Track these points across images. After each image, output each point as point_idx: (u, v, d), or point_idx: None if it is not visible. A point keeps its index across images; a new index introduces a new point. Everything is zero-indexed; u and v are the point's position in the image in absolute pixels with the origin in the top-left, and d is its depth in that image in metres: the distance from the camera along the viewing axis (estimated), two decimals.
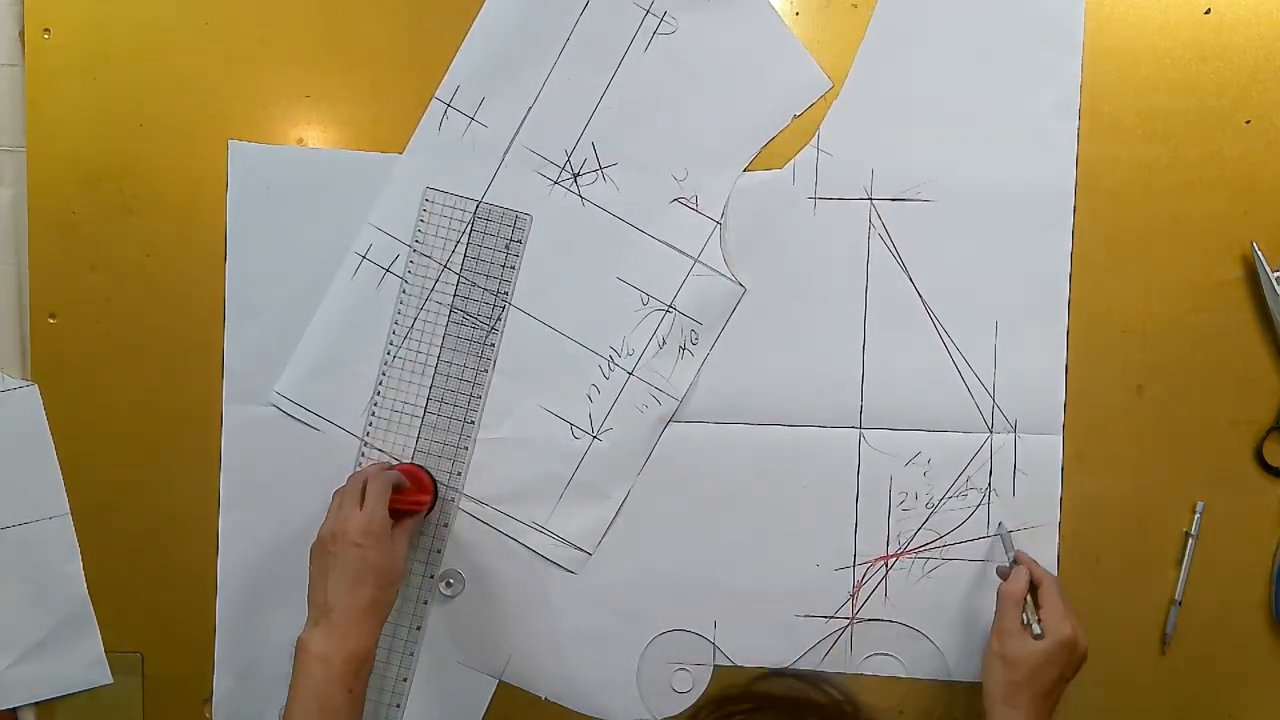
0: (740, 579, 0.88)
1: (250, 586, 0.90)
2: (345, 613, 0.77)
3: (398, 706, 0.89)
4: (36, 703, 0.90)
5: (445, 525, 0.89)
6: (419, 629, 0.89)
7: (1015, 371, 0.86)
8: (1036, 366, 0.86)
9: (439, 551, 0.89)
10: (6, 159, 0.89)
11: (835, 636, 0.87)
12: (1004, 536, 0.85)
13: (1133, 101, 0.85)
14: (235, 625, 0.90)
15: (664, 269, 0.87)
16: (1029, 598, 0.78)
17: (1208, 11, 0.85)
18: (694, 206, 0.87)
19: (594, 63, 0.86)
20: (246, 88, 0.88)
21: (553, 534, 0.88)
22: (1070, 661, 0.76)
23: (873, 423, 0.87)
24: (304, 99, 0.88)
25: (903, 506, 0.87)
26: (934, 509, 0.87)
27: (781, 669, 0.87)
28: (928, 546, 0.87)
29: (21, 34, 0.88)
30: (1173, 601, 0.86)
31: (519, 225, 0.88)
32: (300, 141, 0.88)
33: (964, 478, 0.86)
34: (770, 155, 0.87)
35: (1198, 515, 0.85)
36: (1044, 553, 0.86)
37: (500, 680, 0.89)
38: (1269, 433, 0.85)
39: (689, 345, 0.87)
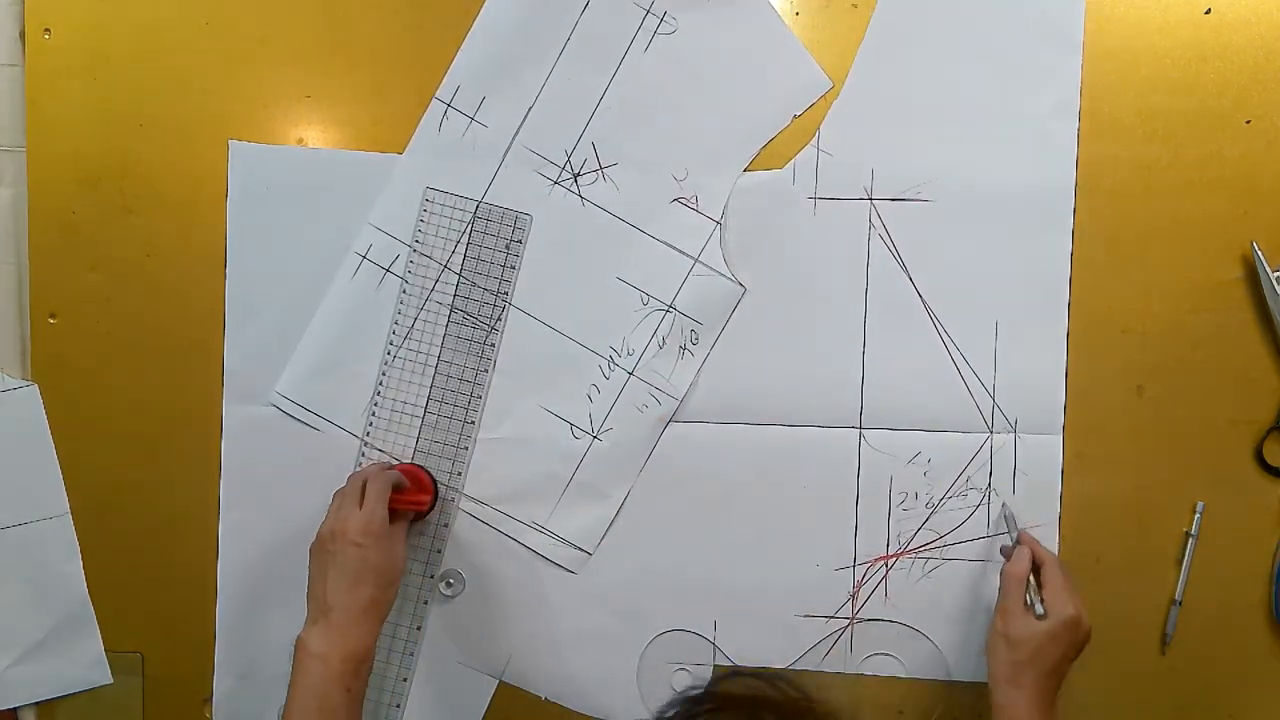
0: (740, 579, 0.88)
1: (250, 586, 0.90)
2: (344, 612, 0.77)
3: (398, 706, 0.89)
4: (36, 703, 0.90)
5: (445, 525, 0.89)
6: (419, 629, 0.89)
7: (1015, 371, 0.86)
8: (1036, 366, 0.86)
9: (439, 551, 0.89)
10: (6, 159, 0.89)
11: (835, 636, 0.87)
12: (1007, 517, 0.85)
13: (1133, 101, 0.85)
14: (235, 625, 0.90)
15: (664, 269, 0.87)
16: (1032, 577, 0.78)
17: (1208, 11, 0.85)
18: (694, 206, 0.87)
19: (594, 63, 0.86)
20: (246, 88, 0.88)
21: (553, 534, 0.88)
22: (1074, 641, 0.76)
23: (873, 423, 0.87)
24: (304, 99, 0.88)
25: (903, 506, 0.87)
26: (934, 509, 0.87)
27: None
28: (928, 546, 0.87)
29: (21, 34, 0.88)
30: (1173, 601, 0.86)
31: (519, 225, 0.88)
32: (300, 141, 0.88)
33: (964, 478, 0.86)
34: (770, 155, 0.87)
35: (1198, 515, 0.85)
36: None
37: (500, 680, 0.89)
38: (1269, 433, 0.85)
39: (689, 345, 0.87)
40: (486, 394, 0.88)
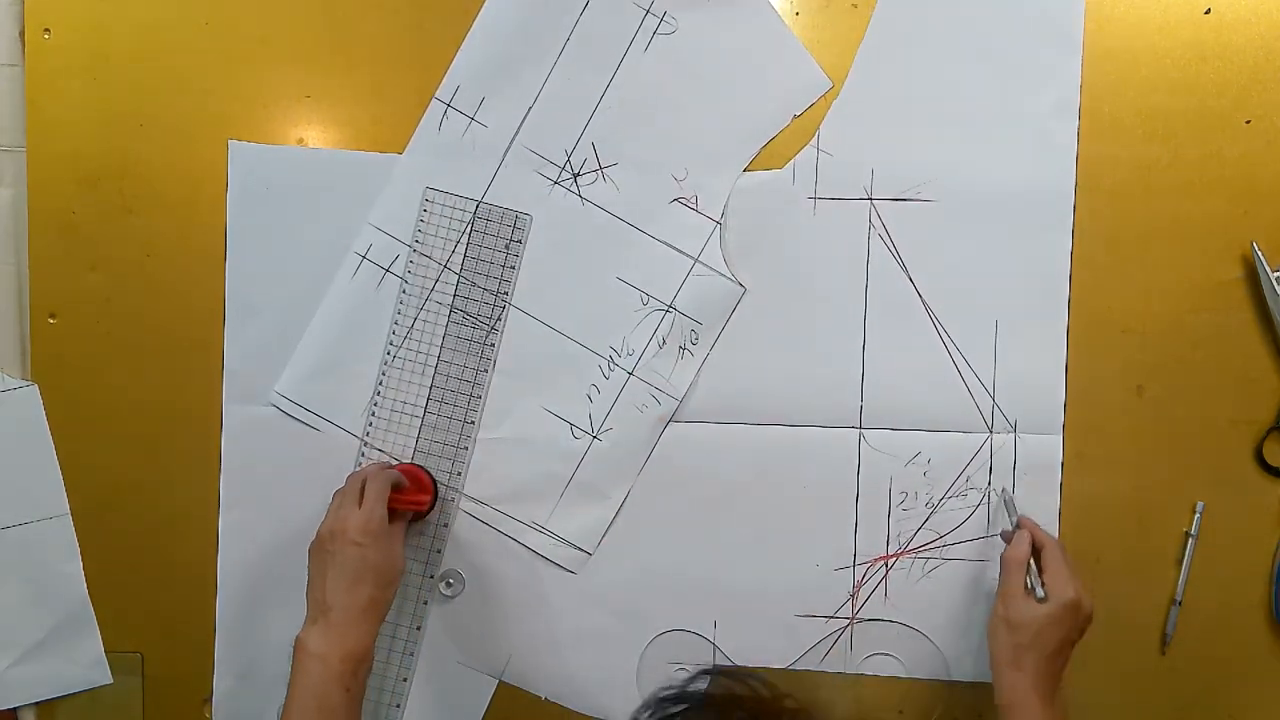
0: (740, 579, 0.88)
1: (250, 586, 0.90)
2: (344, 611, 0.77)
3: (398, 706, 0.89)
4: (36, 703, 0.90)
5: (445, 525, 0.89)
6: (419, 629, 0.89)
7: (1015, 371, 0.86)
8: (1036, 366, 0.86)
9: (439, 551, 0.89)
10: (6, 159, 0.89)
11: (835, 636, 0.87)
12: (1007, 501, 0.85)
13: (1133, 101, 0.85)
14: (235, 625, 0.90)
15: (664, 269, 0.87)
16: (1032, 561, 0.78)
17: (1208, 11, 0.85)
18: (694, 206, 0.87)
19: (594, 63, 0.86)
20: (246, 88, 0.88)
21: (553, 534, 0.88)
22: (1075, 623, 0.76)
23: (873, 423, 0.87)
24: (304, 99, 0.88)
25: (903, 506, 0.87)
26: (934, 509, 0.87)
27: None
28: (928, 546, 0.87)
29: (21, 34, 0.88)
30: (1173, 601, 0.86)
31: (519, 225, 0.88)
32: (300, 141, 0.88)
33: (964, 478, 0.86)
34: (770, 155, 0.87)
35: (1198, 515, 0.85)
36: None
37: (500, 680, 0.89)
38: (1269, 433, 0.85)
39: (689, 345, 0.87)
40: (486, 394, 0.88)
